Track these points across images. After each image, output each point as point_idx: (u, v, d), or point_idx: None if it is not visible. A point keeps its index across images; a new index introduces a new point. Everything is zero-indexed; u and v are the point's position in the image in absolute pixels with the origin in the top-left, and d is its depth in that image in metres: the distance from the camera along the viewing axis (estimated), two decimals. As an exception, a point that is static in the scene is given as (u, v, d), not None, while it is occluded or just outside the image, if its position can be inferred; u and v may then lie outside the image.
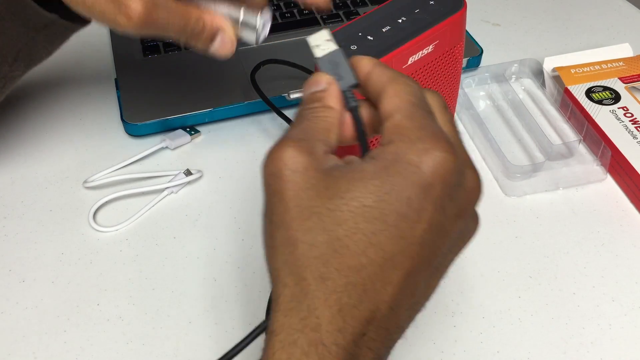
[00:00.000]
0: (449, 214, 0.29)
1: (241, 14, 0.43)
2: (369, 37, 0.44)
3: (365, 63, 0.33)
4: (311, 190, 0.28)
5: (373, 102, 0.33)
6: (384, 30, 0.45)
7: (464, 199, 0.30)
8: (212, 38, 0.43)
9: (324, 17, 0.71)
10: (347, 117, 0.33)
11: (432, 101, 0.32)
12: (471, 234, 0.33)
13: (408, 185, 0.28)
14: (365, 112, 0.33)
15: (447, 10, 0.46)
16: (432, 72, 0.48)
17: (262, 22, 0.44)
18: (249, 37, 0.44)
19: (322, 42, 0.36)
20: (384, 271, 0.28)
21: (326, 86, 0.33)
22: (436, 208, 0.28)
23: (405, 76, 0.32)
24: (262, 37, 0.45)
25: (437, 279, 0.32)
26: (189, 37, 0.42)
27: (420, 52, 0.45)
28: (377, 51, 0.43)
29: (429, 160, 0.28)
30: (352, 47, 0.43)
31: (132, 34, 0.40)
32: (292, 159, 0.29)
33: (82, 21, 0.46)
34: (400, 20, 0.45)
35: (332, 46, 0.35)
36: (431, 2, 0.47)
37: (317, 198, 0.28)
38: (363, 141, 0.33)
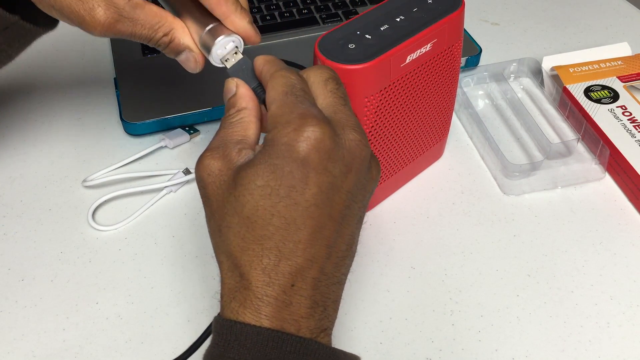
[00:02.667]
0: (337, 173, 0.34)
1: (203, 33, 0.40)
2: (367, 36, 0.44)
3: (258, 63, 0.38)
4: (224, 186, 0.35)
5: None
6: (382, 29, 0.45)
7: (347, 157, 0.35)
8: (176, 52, 0.43)
9: (323, 16, 0.72)
10: (264, 110, 0.38)
11: (314, 79, 0.37)
12: (372, 182, 0.38)
13: (287, 162, 0.33)
14: None
15: (445, 8, 0.46)
16: (431, 70, 0.48)
17: (221, 46, 0.40)
18: (208, 57, 0.41)
19: (230, 57, 0.40)
20: (290, 233, 0.34)
21: (235, 89, 0.38)
22: (319, 172, 0.33)
23: (285, 68, 0.37)
24: (216, 62, 0.41)
25: (349, 227, 0.36)
26: (155, 46, 0.43)
27: (419, 51, 0.46)
28: (375, 50, 0.43)
29: (299, 137, 0.33)
30: (350, 46, 0.43)
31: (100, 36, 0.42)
32: (209, 166, 0.35)
33: (45, 25, 0.46)
34: (398, 19, 0.45)
35: (239, 57, 0.40)
36: (429, 1, 0.47)
37: (227, 191, 0.35)
38: None
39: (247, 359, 0.32)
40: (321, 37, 0.44)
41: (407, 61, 0.45)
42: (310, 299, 0.35)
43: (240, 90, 0.38)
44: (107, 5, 0.39)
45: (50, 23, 0.46)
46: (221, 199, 0.35)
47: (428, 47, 0.46)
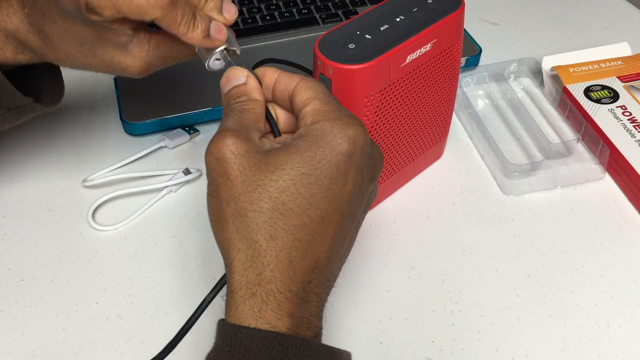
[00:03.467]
0: (366, 177, 0.36)
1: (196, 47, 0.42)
2: (367, 36, 0.44)
3: (272, 70, 0.38)
4: (255, 168, 0.33)
5: (281, 102, 0.38)
6: (382, 29, 0.45)
7: (374, 166, 0.37)
8: None
9: (323, 16, 0.72)
10: None
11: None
12: (374, 198, 0.39)
13: (336, 154, 0.34)
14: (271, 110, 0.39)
15: (445, 8, 0.46)
16: (431, 70, 0.48)
17: (215, 59, 0.41)
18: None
19: (228, 53, 0.41)
20: (322, 227, 0.34)
21: (246, 79, 0.38)
22: (357, 172, 0.35)
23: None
24: (209, 67, 0.42)
25: (357, 232, 0.38)
26: None
27: (419, 51, 0.46)
28: (375, 50, 0.43)
29: (350, 133, 0.34)
30: (350, 46, 0.43)
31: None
32: (234, 145, 0.34)
33: (50, 103, 0.49)
34: (398, 19, 0.45)
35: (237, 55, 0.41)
36: (429, 1, 0.47)
37: (260, 173, 0.33)
38: (274, 124, 0.38)
39: None
40: (321, 37, 0.44)
41: (407, 61, 0.45)
42: (319, 297, 0.35)
43: (252, 82, 0.38)
44: (134, 60, 0.41)
45: (54, 102, 0.49)
46: (250, 182, 0.33)
47: (428, 47, 0.46)
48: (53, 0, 0.37)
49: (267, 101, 0.39)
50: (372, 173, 0.36)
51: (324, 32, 0.44)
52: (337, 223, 0.34)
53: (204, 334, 0.46)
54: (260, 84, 0.38)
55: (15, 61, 0.43)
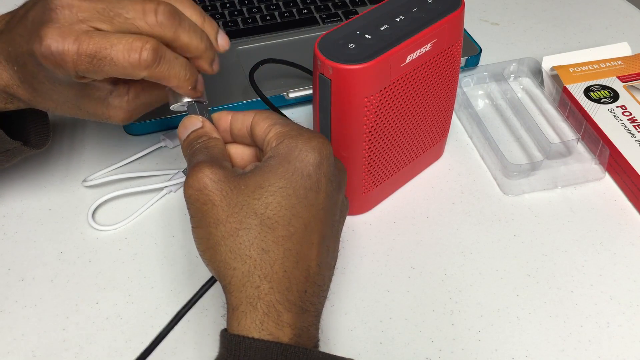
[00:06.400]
0: (335, 186, 0.38)
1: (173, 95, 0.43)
2: (367, 36, 0.44)
3: (225, 113, 0.41)
4: (236, 190, 0.35)
5: (240, 139, 0.41)
6: (382, 29, 0.45)
7: (340, 176, 0.39)
8: None
9: (323, 16, 0.72)
10: None
11: None
12: (347, 211, 0.41)
13: (305, 164, 0.36)
14: (233, 149, 0.42)
15: (445, 8, 0.46)
16: (430, 70, 0.48)
17: (182, 105, 0.43)
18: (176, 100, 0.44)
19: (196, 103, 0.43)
20: (307, 235, 0.36)
21: (201, 124, 0.41)
22: (327, 180, 0.37)
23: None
24: (173, 108, 0.44)
25: (336, 243, 0.40)
26: None
27: (418, 51, 0.46)
28: (375, 50, 0.43)
29: (314, 145, 0.36)
30: (350, 46, 0.43)
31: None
32: (212, 173, 0.36)
33: (40, 145, 0.50)
34: (398, 19, 0.45)
35: (200, 99, 0.43)
36: (429, 1, 0.47)
37: (242, 194, 0.35)
38: None
39: None
40: (321, 37, 0.44)
41: (407, 61, 0.45)
42: (315, 307, 0.36)
43: (208, 125, 0.41)
44: (116, 111, 0.44)
45: (42, 144, 0.50)
46: (235, 203, 0.35)
47: (428, 47, 0.46)
48: (42, 66, 0.39)
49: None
50: (339, 183, 0.39)
51: (324, 32, 0.44)
52: (318, 230, 0.36)
53: (203, 334, 0.46)
54: (217, 128, 0.41)
55: (5, 109, 0.45)
